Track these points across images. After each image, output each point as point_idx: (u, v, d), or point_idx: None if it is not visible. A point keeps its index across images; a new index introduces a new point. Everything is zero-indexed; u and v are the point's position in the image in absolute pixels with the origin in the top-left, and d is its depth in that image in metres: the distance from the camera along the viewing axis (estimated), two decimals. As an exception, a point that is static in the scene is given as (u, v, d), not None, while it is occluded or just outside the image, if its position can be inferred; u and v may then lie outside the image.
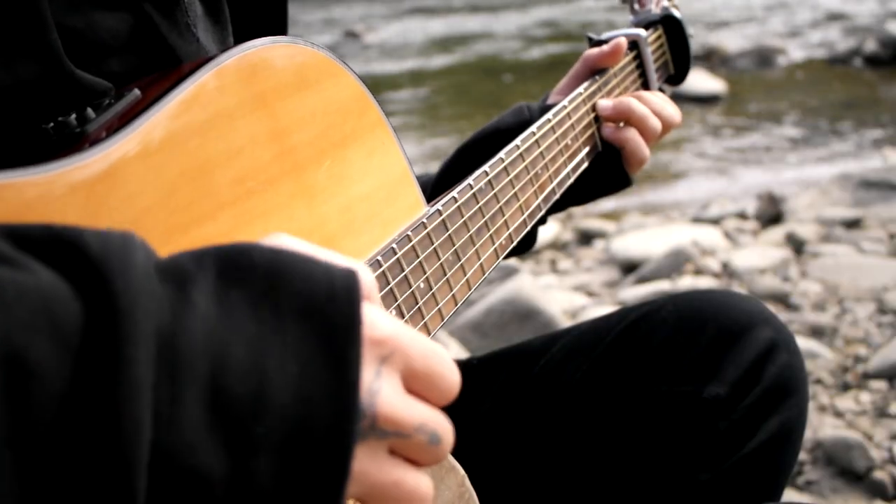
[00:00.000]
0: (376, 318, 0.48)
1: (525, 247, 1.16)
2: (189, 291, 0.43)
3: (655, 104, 1.14)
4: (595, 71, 1.15)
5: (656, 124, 1.13)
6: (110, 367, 0.39)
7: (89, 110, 0.56)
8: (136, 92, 0.59)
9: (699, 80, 6.97)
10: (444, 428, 0.50)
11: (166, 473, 0.40)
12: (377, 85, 8.76)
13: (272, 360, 0.43)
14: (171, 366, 0.41)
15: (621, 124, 1.13)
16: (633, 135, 1.12)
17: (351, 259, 0.51)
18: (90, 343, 0.39)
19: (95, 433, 0.38)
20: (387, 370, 0.48)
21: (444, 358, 0.51)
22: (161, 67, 0.70)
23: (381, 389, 0.47)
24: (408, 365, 0.49)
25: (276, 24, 0.91)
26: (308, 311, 0.45)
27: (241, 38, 0.82)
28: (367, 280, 0.50)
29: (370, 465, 0.47)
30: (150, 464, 0.40)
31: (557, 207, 1.15)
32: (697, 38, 8.68)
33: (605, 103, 1.12)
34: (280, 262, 0.46)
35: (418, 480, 0.49)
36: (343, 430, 0.44)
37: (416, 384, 0.50)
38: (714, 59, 8.22)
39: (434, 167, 1.18)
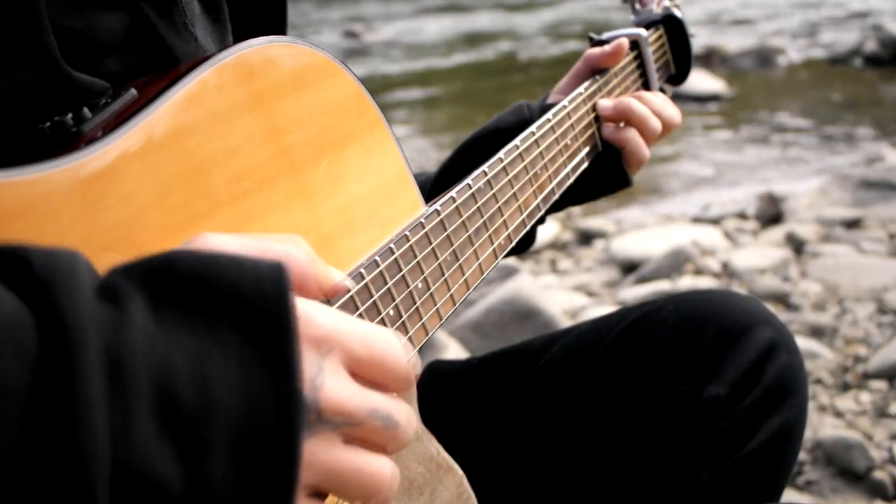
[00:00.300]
0: (313, 313, 0.49)
1: (524, 246, 1.16)
2: (126, 307, 0.44)
3: (655, 104, 1.14)
4: (596, 70, 1.15)
5: (656, 125, 1.13)
6: (66, 387, 0.40)
7: (85, 110, 0.56)
8: (133, 91, 0.59)
9: (699, 80, 6.97)
10: (399, 411, 0.51)
11: (125, 485, 0.41)
12: (377, 85, 8.76)
13: (214, 366, 0.44)
14: (120, 382, 0.42)
15: (621, 124, 1.12)
16: (633, 135, 1.12)
17: (282, 240, 0.52)
18: (45, 364, 0.40)
19: (56, 453, 0.39)
20: (329, 364, 0.49)
21: (387, 341, 0.52)
22: (159, 67, 0.70)
23: (325, 383, 0.48)
24: (350, 355, 0.50)
25: (275, 23, 0.91)
26: (241, 315, 0.46)
27: (240, 37, 0.82)
28: (297, 261, 0.51)
29: (324, 455, 0.48)
30: (110, 478, 0.40)
31: (556, 207, 1.14)
32: (702, 38, 8.69)
33: (605, 103, 1.12)
34: (206, 269, 0.47)
35: (380, 465, 0.50)
36: (288, 426, 0.45)
37: (363, 371, 0.51)
38: (714, 59, 8.22)
39: (435, 168, 1.17)
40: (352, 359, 0.50)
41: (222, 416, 0.44)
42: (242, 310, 0.46)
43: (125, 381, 0.42)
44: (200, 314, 0.46)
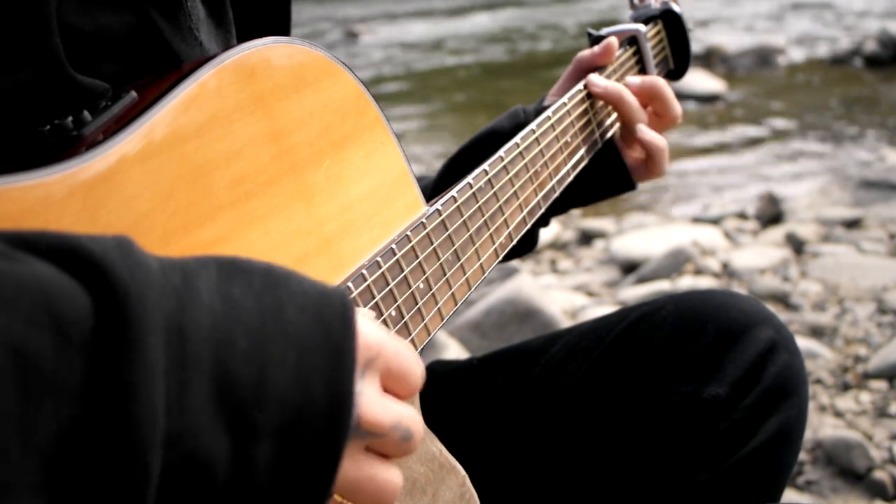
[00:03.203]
0: (365, 324, 0.52)
1: (526, 248, 1.16)
2: (193, 283, 0.45)
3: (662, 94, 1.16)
4: (589, 71, 1.15)
5: (677, 109, 1.16)
6: (125, 353, 0.40)
7: (85, 113, 0.56)
8: (133, 94, 0.58)
9: (699, 80, 6.96)
10: (416, 424, 0.53)
11: (172, 457, 0.41)
12: (377, 85, 8.76)
13: (274, 348, 0.45)
14: (180, 352, 0.42)
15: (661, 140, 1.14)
16: (665, 146, 1.13)
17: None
18: (101, 332, 0.40)
19: (111, 420, 0.39)
20: (370, 372, 0.51)
21: (411, 356, 0.55)
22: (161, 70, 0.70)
23: (364, 391, 0.50)
24: (387, 366, 0.52)
25: (279, 26, 0.91)
26: (306, 306, 0.48)
27: (244, 40, 0.82)
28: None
29: (348, 463, 0.50)
30: (162, 445, 0.41)
31: (559, 208, 1.15)
32: (702, 38, 8.68)
33: (634, 79, 1.15)
34: (275, 267, 0.49)
35: (390, 473, 0.52)
36: (337, 422, 0.46)
37: (390, 381, 0.53)
38: (714, 59, 8.21)
39: (435, 168, 1.17)
40: (386, 369, 0.52)
41: (275, 398, 0.45)
42: (307, 302, 0.48)
43: (186, 353, 0.42)
44: (267, 299, 0.47)
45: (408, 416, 0.52)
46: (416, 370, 0.55)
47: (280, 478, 0.45)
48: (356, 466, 0.50)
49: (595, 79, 1.11)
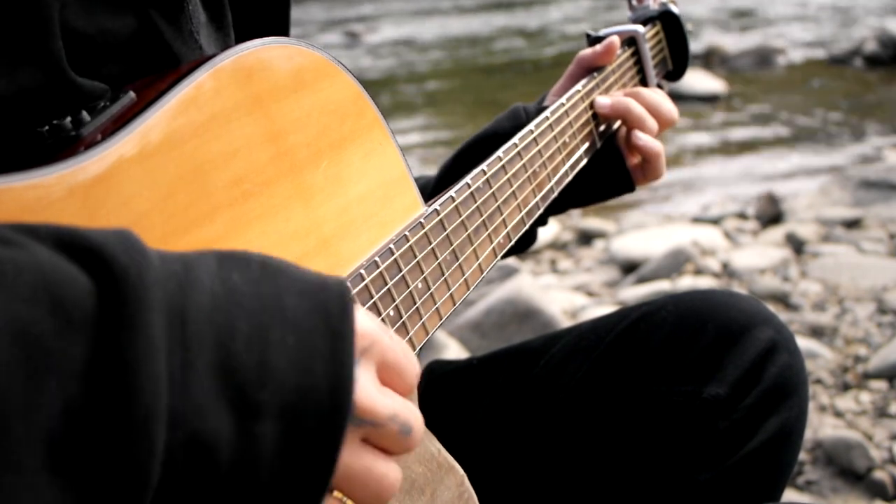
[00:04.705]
0: (361, 313, 0.52)
1: (524, 245, 1.16)
2: (194, 270, 0.46)
3: (653, 102, 1.14)
4: (590, 70, 1.14)
5: (653, 125, 1.13)
6: (126, 330, 0.41)
7: (84, 113, 0.56)
8: (131, 94, 0.59)
9: (699, 80, 6.95)
10: (416, 418, 0.53)
11: (177, 437, 0.42)
12: (377, 86, 8.75)
13: (273, 332, 0.46)
14: (182, 333, 0.43)
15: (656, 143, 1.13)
16: (661, 149, 1.12)
17: None
18: (102, 311, 0.41)
19: (114, 395, 0.40)
20: (365, 361, 0.51)
21: (407, 351, 0.55)
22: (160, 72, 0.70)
23: (360, 379, 0.49)
24: (382, 356, 0.52)
25: (278, 28, 0.91)
26: (304, 292, 0.49)
27: (242, 41, 0.82)
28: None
29: (345, 451, 0.49)
30: (167, 422, 0.41)
31: (558, 208, 1.14)
32: (702, 37, 8.68)
33: (602, 101, 1.11)
34: (271, 258, 0.50)
35: (388, 468, 0.52)
36: (338, 401, 0.47)
37: (385, 374, 0.53)
38: (714, 59, 8.21)
39: (434, 169, 1.17)
40: (381, 360, 0.52)
41: (277, 379, 0.45)
42: (306, 288, 0.49)
43: (187, 334, 0.43)
44: (266, 285, 0.48)
45: (406, 409, 0.52)
46: (410, 365, 0.54)
47: (284, 460, 0.45)
48: (353, 456, 0.50)
49: (600, 100, 1.11)
